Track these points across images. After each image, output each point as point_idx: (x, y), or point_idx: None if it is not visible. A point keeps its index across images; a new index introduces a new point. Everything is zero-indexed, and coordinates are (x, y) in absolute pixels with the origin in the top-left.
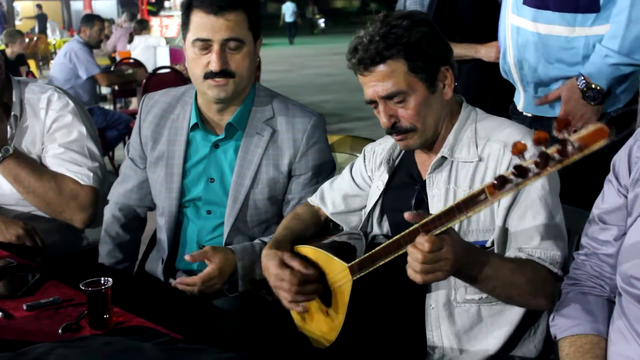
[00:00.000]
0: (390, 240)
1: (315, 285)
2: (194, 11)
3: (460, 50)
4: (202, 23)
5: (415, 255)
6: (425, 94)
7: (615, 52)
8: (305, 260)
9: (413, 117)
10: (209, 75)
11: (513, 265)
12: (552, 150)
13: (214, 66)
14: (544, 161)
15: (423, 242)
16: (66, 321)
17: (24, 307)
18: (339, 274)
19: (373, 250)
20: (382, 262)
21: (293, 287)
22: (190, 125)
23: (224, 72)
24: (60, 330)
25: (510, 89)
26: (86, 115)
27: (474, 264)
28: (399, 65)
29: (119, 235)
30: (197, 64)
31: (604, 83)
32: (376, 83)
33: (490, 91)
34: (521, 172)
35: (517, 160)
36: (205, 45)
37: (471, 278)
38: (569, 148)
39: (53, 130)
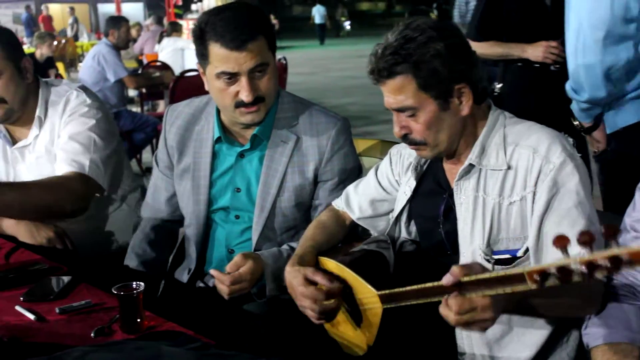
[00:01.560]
0: (422, 286)
1: (339, 300)
2: (212, 43)
3: (507, 50)
4: (225, 57)
5: (446, 316)
6: (436, 111)
7: (570, 89)
8: (330, 275)
9: (423, 132)
10: (240, 104)
11: None
12: (602, 261)
13: (246, 97)
14: (590, 272)
15: (451, 304)
16: (98, 325)
17: (57, 311)
18: (369, 298)
19: (404, 289)
20: (412, 303)
21: (318, 305)
22: (214, 139)
23: (256, 99)
24: (92, 334)
25: (555, 89)
26: (104, 113)
27: (519, 302)
28: (408, 81)
29: (145, 252)
30: (226, 94)
31: (578, 117)
32: (388, 95)
33: (535, 90)
34: (565, 275)
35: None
36: (231, 76)
37: (519, 311)
38: (618, 262)
39: (65, 124)
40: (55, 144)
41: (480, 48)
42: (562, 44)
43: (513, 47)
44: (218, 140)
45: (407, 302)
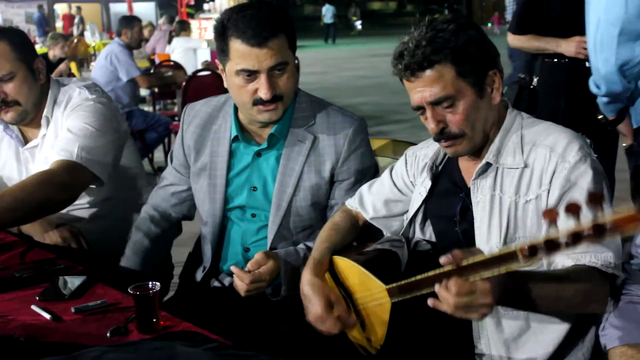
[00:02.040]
0: (427, 275)
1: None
2: (233, 40)
3: (543, 44)
4: (246, 54)
5: (446, 298)
6: (474, 99)
7: (592, 83)
8: (341, 276)
9: (462, 122)
10: (258, 102)
11: (558, 279)
12: (585, 230)
13: (265, 94)
14: (574, 241)
15: (451, 286)
16: (114, 325)
17: (72, 310)
18: (378, 293)
19: (411, 279)
20: (419, 294)
21: (333, 332)
22: (232, 138)
23: (274, 97)
24: (108, 334)
25: (586, 87)
26: (108, 108)
27: (514, 293)
28: (447, 69)
29: (150, 229)
30: (244, 91)
31: (602, 110)
32: (423, 88)
33: (569, 86)
34: (552, 246)
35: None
36: (251, 73)
37: (513, 305)
38: (602, 231)
39: (65, 119)
40: None
41: (519, 41)
42: None
43: (549, 41)
44: (235, 139)
45: (415, 294)
